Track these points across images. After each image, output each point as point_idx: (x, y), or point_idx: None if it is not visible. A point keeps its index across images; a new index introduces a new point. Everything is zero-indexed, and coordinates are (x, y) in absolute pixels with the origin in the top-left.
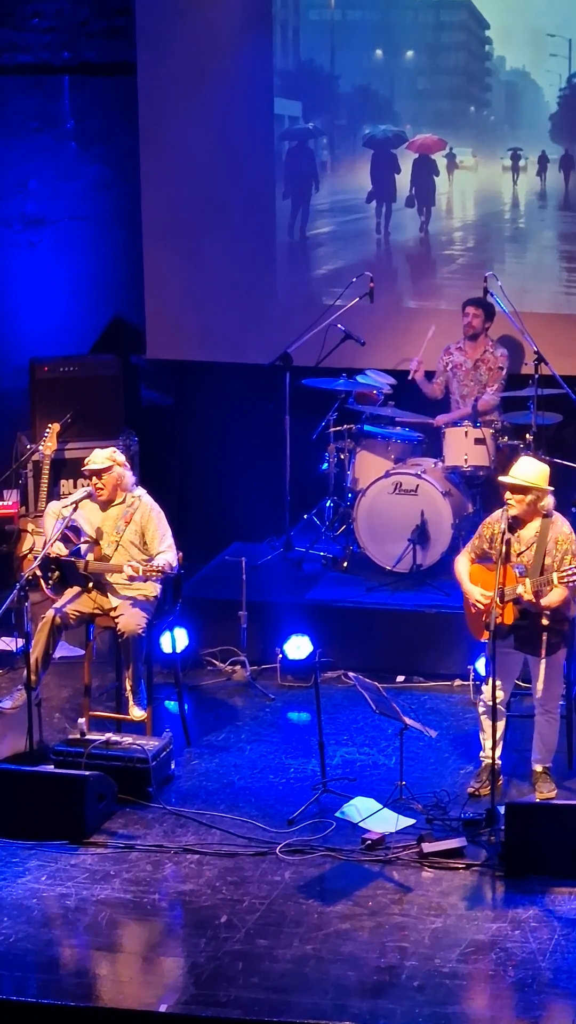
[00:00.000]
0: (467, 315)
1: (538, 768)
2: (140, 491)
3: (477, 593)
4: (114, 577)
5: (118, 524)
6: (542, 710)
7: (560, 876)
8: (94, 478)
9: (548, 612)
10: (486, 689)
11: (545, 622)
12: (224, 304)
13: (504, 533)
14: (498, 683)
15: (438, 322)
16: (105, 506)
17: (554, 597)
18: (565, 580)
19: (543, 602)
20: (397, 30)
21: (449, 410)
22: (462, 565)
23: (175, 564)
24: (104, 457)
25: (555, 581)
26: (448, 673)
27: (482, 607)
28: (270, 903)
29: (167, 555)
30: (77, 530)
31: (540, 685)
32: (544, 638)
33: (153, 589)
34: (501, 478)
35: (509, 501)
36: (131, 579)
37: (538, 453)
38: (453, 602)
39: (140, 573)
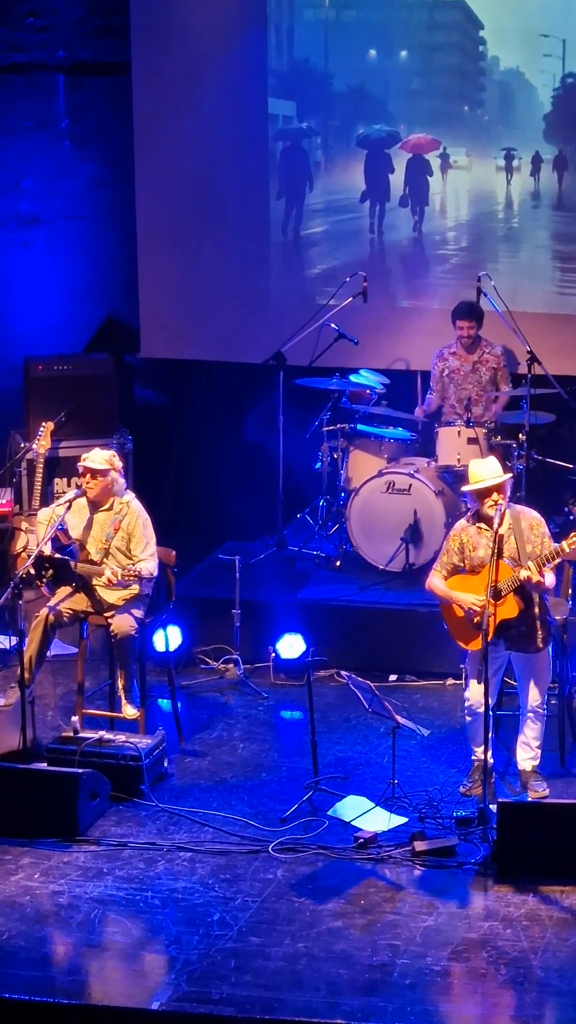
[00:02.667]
0: (460, 328)
1: (529, 767)
2: (129, 496)
3: (472, 598)
4: (97, 581)
5: (107, 531)
6: (532, 707)
7: (552, 875)
8: (88, 476)
9: (539, 597)
10: (469, 693)
11: (532, 613)
12: (218, 303)
13: (496, 532)
14: (483, 686)
15: (431, 321)
16: (93, 508)
17: (549, 579)
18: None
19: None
20: (391, 30)
21: (441, 417)
22: (439, 582)
23: (155, 572)
24: (103, 459)
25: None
26: (440, 672)
27: (479, 610)
28: (262, 901)
29: (148, 563)
30: (66, 531)
31: (534, 682)
32: (538, 631)
33: (135, 588)
34: (487, 485)
35: (497, 501)
36: (110, 585)
37: (530, 453)
38: None
39: (119, 578)
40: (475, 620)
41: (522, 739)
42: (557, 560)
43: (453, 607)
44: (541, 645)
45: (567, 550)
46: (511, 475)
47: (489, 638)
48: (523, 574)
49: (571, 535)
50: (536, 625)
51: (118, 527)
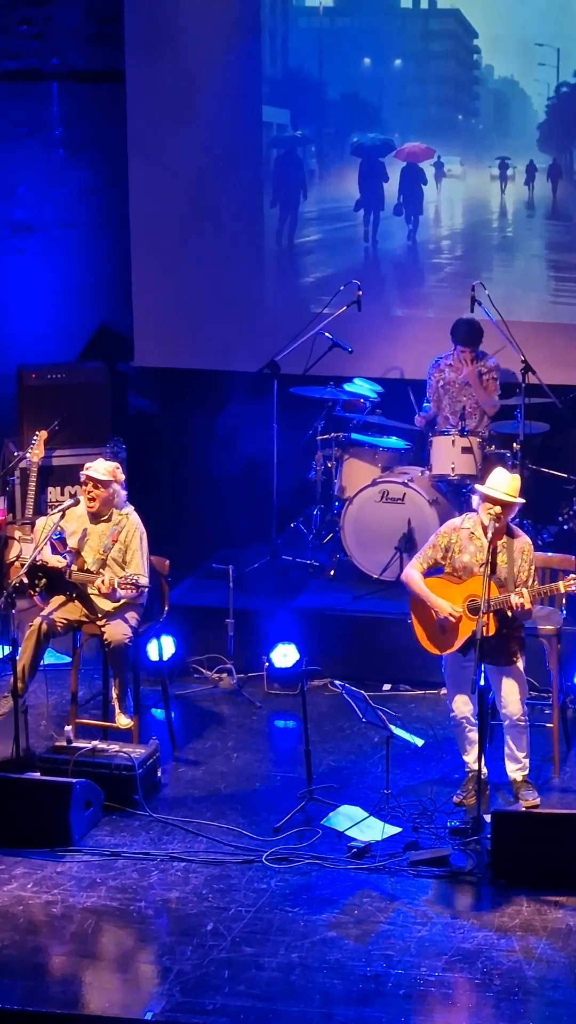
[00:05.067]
0: (463, 352)
1: (519, 777)
2: (128, 509)
3: (448, 607)
4: (92, 590)
5: (105, 542)
6: (512, 720)
7: (546, 885)
8: (89, 485)
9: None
10: (455, 704)
11: (504, 631)
12: (212, 311)
13: (491, 545)
14: (466, 697)
15: (425, 330)
16: (94, 519)
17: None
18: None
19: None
20: (385, 38)
21: (436, 426)
22: (417, 578)
23: (144, 587)
24: (107, 470)
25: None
26: (435, 681)
27: (454, 620)
28: (256, 911)
29: (139, 579)
30: (64, 540)
31: (510, 694)
32: (511, 646)
33: (126, 595)
34: (494, 495)
35: (500, 516)
36: (100, 593)
37: (524, 462)
38: None
39: (107, 588)
40: (447, 632)
41: (507, 751)
42: (547, 596)
43: (427, 608)
44: (514, 659)
45: (562, 590)
46: (523, 501)
47: (455, 648)
48: (515, 600)
49: (569, 577)
50: (508, 641)
51: (116, 538)
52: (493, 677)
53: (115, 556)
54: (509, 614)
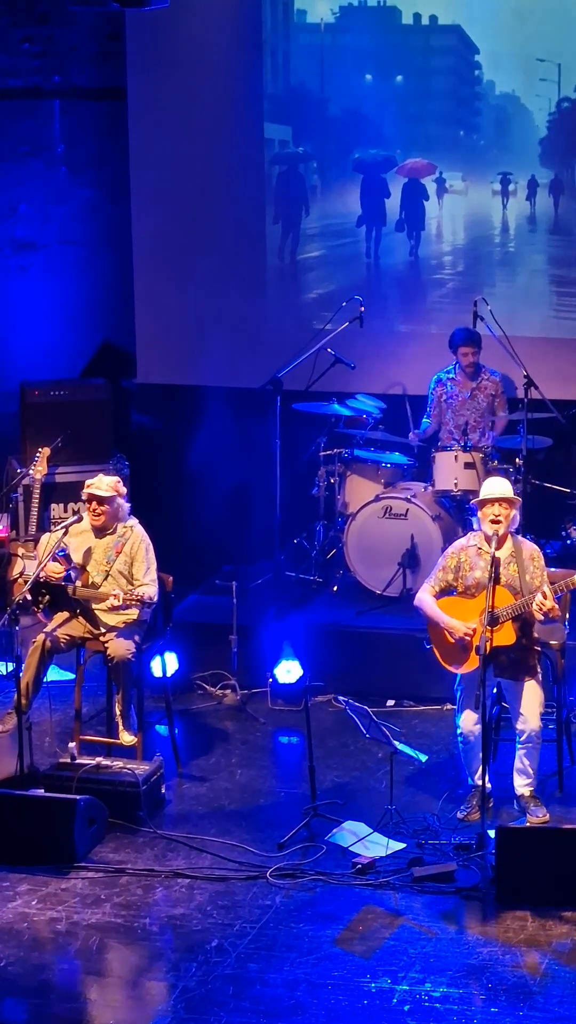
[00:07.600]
0: (464, 355)
1: (527, 792)
2: (132, 521)
3: (463, 626)
4: (97, 607)
5: (109, 554)
6: (528, 734)
7: (550, 900)
8: (94, 503)
9: (536, 633)
10: (461, 720)
11: (524, 642)
12: (214, 328)
13: (493, 554)
14: (475, 715)
15: (428, 346)
16: (99, 533)
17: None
18: None
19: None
20: (387, 54)
21: (439, 442)
22: (429, 601)
23: (155, 598)
24: (109, 485)
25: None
26: (438, 697)
27: (469, 638)
28: (261, 927)
29: (148, 588)
30: (68, 556)
31: (530, 708)
32: (530, 659)
33: (133, 613)
34: (492, 495)
35: (499, 519)
36: (112, 609)
37: (527, 477)
38: None
39: (120, 602)
40: (468, 647)
41: (518, 765)
42: (566, 589)
43: (442, 630)
44: (534, 672)
45: None
46: (518, 499)
47: (464, 668)
48: (538, 600)
49: None
50: (527, 653)
51: (120, 550)
52: (512, 691)
53: (120, 568)
54: (539, 618)
